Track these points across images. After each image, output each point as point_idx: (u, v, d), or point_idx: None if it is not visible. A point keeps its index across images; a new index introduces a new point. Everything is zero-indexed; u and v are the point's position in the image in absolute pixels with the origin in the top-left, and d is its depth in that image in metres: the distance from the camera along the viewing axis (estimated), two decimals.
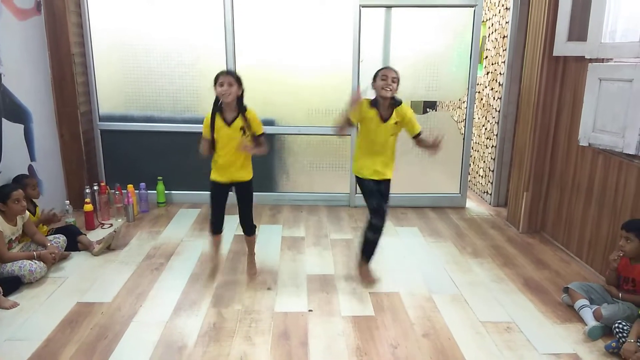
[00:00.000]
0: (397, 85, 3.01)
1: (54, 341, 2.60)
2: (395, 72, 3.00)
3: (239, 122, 3.00)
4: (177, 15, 4.51)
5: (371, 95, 3.10)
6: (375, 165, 3.14)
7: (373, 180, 3.16)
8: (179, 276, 3.35)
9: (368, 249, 3.28)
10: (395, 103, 3.07)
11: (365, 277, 3.31)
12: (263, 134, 3.11)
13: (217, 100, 3.01)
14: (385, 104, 3.05)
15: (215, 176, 3.14)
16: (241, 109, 3.02)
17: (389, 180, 3.24)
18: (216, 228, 3.29)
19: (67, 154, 4.49)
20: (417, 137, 3.17)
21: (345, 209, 4.85)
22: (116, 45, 4.57)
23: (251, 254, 3.44)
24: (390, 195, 3.29)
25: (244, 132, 3.01)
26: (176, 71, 4.62)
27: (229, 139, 3.01)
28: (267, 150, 3.15)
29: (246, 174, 3.16)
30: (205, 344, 2.59)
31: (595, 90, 3.33)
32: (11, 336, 2.63)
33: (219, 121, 3.01)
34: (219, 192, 3.18)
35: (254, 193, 3.26)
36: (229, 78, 2.92)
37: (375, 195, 3.15)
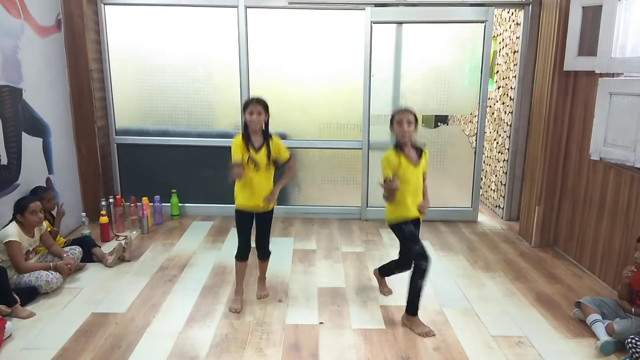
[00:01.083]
0: (415, 126, 2.88)
1: (69, 350, 2.65)
2: (411, 113, 2.88)
3: (264, 149, 3.02)
4: (192, 32, 4.62)
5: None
6: (413, 206, 2.96)
7: (413, 222, 2.97)
8: (191, 287, 3.40)
9: (418, 298, 2.96)
10: (418, 147, 2.97)
11: (421, 327, 2.94)
12: (291, 157, 3.13)
13: (245, 125, 3.02)
14: (409, 147, 2.92)
15: (241, 202, 3.08)
16: (266, 135, 3.05)
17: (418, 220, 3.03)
18: (243, 254, 3.17)
19: (84, 167, 4.59)
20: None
21: (356, 222, 4.87)
22: (133, 61, 4.69)
23: (262, 277, 3.38)
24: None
25: (269, 159, 3.03)
26: (191, 86, 4.72)
27: (252, 165, 2.99)
28: (296, 172, 3.10)
29: (270, 203, 3.13)
30: (217, 355, 2.62)
31: (606, 105, 3.34)
32: (28, 345, 2.69)
33: (249, 149, 2.99)
34: (245, 218, 3.14)
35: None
36: (258, 107, 2.96)
37: (418, 237, 2.95)
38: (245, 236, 3.15)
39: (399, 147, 2.90)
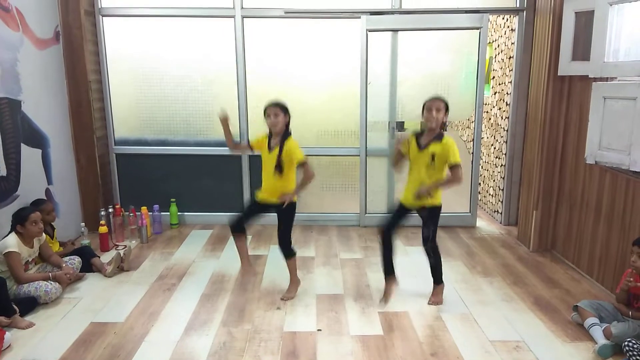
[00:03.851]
0: (444, 114, 3.05)
1: None
2: (442, 101, 3.06)
3: (276, 150, 3.16)
4: (189, 42, 4.66)
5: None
6: (407, 192, 3.20)
7: (406, 208, 3.22)
8: (190, 296, 3.40)
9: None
10: (436, 137, 3.07)
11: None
12: (305, 161, 3.20)
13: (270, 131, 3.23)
14: (430, 135, 3.08)
15: (261, 196, 3.31)
16: (285, 135, 3.17)
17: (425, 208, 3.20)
18: (234, 225, 3.32)
19: (83, 178, 4.62)
20: (450, 169, 3.11)
21: (355, 228, 4.88)
22: (131, 72, 4.73)
23: (291, 277, 3.45)
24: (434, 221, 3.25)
25: (278, 162, 3.15)
26: (189, 96, 4.75)
27: (267, 163, 3.21)
28: (313, 175, 3.23)
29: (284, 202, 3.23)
30: None
31: (600, 109, 3.36)
32: (27, 355, 2.70)
33: (264, 145, 3.21)
34: (253, 203, 3.38)
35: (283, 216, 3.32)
36: (276, 109, 3.13)
37: (388, 220, 3.27)
38: (244, 212, 3.37)
39: (419, 133, 3.15)
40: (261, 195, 3.29)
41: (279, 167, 3.15)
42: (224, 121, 3.21)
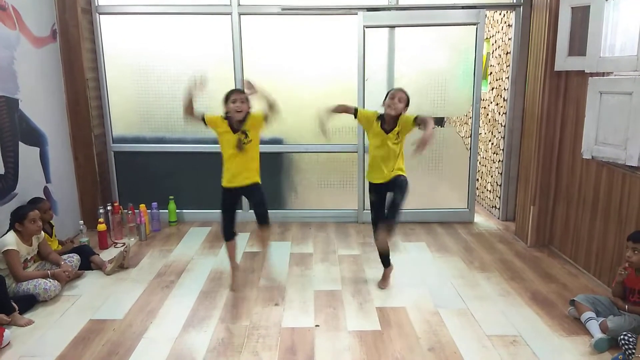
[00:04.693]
0: (405, 106, 3.17)
1: (67, 357, 2.67)
2: (404, 92, 3.18)
3: (242, 128, 3.21)
4: (186, 39, 4.66)
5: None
6: (375, 173, 3.31)
7: (378, 186, 3.32)
8: (188, 293, 3.42)
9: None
10: (397, 118, 3.20)
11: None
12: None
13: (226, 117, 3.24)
14: (391, 121, 3.21)
15: (224, 183, 3.30)
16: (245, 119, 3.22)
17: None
18: (227, 234, 3.41)
19: (81, 176, 4.62)
20: (418, 124, 3.14)
21: (353, 225, 4.89)
22: (128, 69, 4.73)
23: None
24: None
25: (246, 135, 3.19)
26: None
27: (231, 144, 3.20)
28: (274, 103, 3.23)
29: (253, 177, 3.29)
30: (213, 359, 2.64)
31: (597, 104, 3.37)
32: (26, 353, 2.71)
33: (225, 126, 3.22)
34: (228, 198, 3.34)
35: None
36: (242, 96, 3.18)
37: (374, 205, 3.39)
38: (228, 215, 3.40)
39: (382, 116, 3.23)
40: (229, 184, 3.27)
41: (245, 135, 3.18)
42: (198, 86, 3.19)
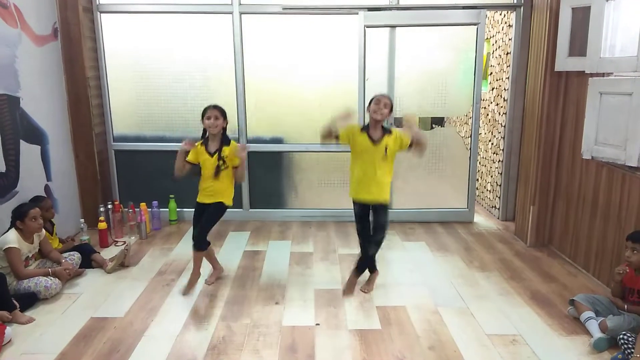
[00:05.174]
0: (389, 111, 3.17)
1: (68, 355, 2.67)
2: (388, 98, 3.18)
3: (216, 155, 3.31)
4: (187, 38, 4.66)
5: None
6: (362, 188, 3.28)
7: (362, 204, 3.32)
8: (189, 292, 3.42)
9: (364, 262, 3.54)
10: (385, 130, 3.19)
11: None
12: (239, 166, 3.36)
13: (204, 131, 3.37)
14: (377, 128, 3.19)
15: (199, 198, 3.42)
16: (224, 140, 3.33)
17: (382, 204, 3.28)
18: (204, 243, 3.43)
19: (82, 174, 4.63)
20: (411, 148, 3.20)
21: (353, 224, 4.81)
22: (130, 68, 4.73)
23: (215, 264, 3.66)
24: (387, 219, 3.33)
25: (224, 162, 3.29)
26: (187, 92, 4.76)
27: (206, 167, 3.33)
28: (243, 175, 3.45)
29: (222, 198, 3.39)
30: (214, 357, 2.65)
31: (597, 104, 3.38)
32: (27, 350, 2.72)
33: (202, 152, 3.32)
34: (200, 211, 3.42)
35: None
36: (215, 112, 3.26)
37: (360, 219, 3.40)
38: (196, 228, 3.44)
39: (366, 126, 3.21)
40: (200, 199, 3.40)
41: (217, 171, 3.29)
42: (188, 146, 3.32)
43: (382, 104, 3.12)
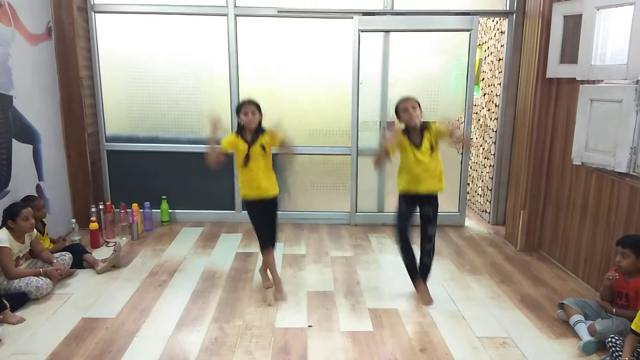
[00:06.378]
0: (420, 110, 3.16)
1: (59, 355, 2.66)
2: (413, 99, 3.16)
3: (260, 141, 3.26)
4: (182, 39, 4.67)
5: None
6: (414, 182, 3.24)
7: (413, 197, 3.27)
8: (181, 292, 3.42)
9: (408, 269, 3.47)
10: (424, 127, 3.18)
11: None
12: (284, 140, 3.29)
13: (240, 127, 3.30)
14: (416, 131, 3.18)
15: (245, 192, 3.35)
16: (260, 131, 3.29)
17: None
18: (265, 242, 3.41)
19: (73, 174, 4.60)
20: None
21: (345, 227, 4.92)
22: (123, 68, 4.72)
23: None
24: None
25: (264, 150, 3.26)
26: (181, 93, 4.76)
27: (253, 157, 3.25)
28: (291, 148, 3.35)
29: (273, 188, 3.38)
30: (206, 359, 2.65)
31: (587, 111, 3.43)
32: (18, 350, 2.70)
33: (240, 143, 3.26)
34: (254, 207, 3.36)
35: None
36: (252, 107, 3.24)
37: (404, 217, 3.32)
38: (259, 223, 3.38)
39: (407, 130, 3.19)
40: (253, 194, 3.32)
41: (264, 150, 3.25)
42: (216, 124, 3.22)
43: (410, 108, 3.10)
